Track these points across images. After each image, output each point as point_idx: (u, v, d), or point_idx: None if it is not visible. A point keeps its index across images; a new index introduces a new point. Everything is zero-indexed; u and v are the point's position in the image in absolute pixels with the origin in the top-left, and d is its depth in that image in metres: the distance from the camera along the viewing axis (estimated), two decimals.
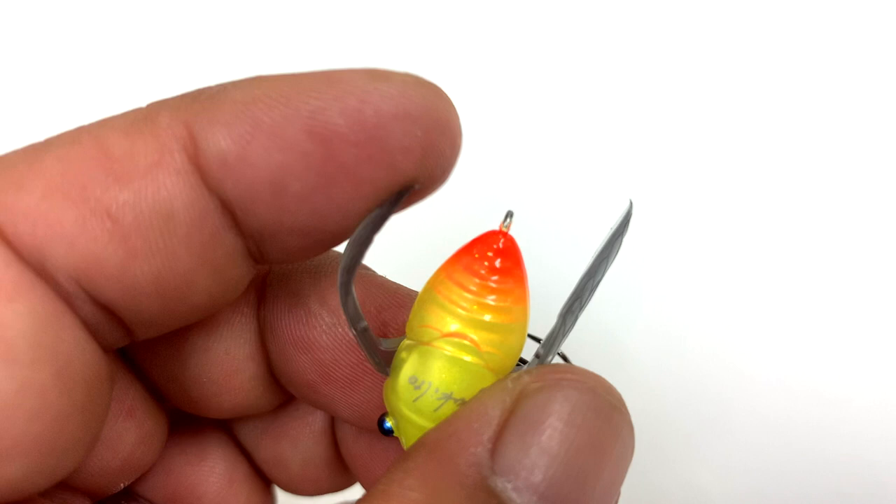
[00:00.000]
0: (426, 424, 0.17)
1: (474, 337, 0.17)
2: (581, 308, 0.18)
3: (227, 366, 0.22)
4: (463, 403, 0.17)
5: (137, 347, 0.22)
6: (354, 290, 0.18)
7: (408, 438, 0.18)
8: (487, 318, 0.17)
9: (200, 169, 0.16)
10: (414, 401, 0.17)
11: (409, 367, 0.18)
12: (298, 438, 0.25)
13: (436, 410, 0.17)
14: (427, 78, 0.17)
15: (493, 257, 0.17)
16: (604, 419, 0.16)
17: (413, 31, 0.42)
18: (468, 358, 0.17)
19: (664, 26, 0.41)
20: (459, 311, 0.17)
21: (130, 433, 0.22)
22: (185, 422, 0.25)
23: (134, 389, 0.22)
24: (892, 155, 0.39)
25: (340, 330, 0.21)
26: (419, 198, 0.18)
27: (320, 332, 0.21)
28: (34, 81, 0.44)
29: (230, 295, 0.19)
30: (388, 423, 0.18)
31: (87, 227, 0.16)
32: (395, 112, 0.16)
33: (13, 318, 0.15)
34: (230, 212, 0.17)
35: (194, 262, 0.17)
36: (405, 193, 0.17)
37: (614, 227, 0.17)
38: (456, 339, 0.17)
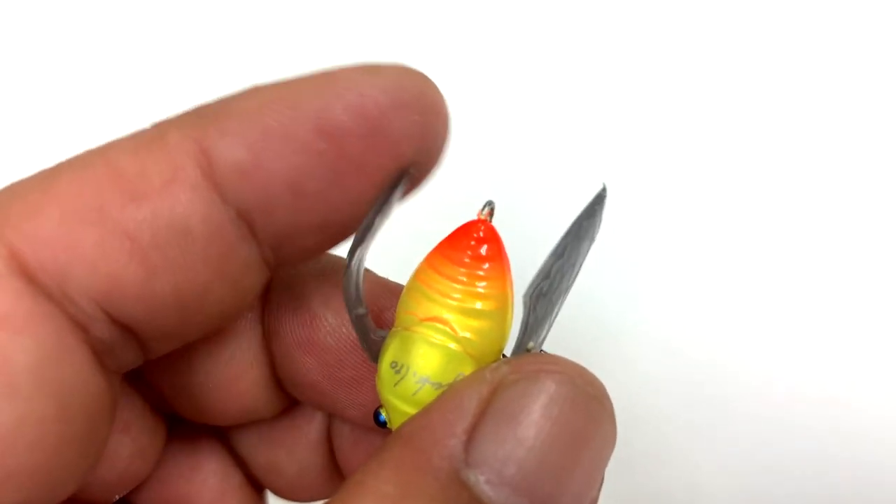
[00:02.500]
0: (408, 409, 0.18)
1: (451, 321, 0.17)
2: (556, 292, 0.18)
3: (231, 371, 0.22)
4: (440, 388, 0.17)
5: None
6: (360, 277, 0.18)
7: (396, 427, 0.18)
8: (464, 303, 0.17)
9: (215, 182, 0.17)
10: (395, 385, 0.18)
11: (390, 353, 0.18)
12: (295, 446, 0.25)
13: (413, 394, 0.17)
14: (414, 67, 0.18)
15: (475, 245, 0.18)
16: (582, 411, 0.16)
17: (399, 25, 0.42)
18: (445, 342, 0.17)
19: (655, 16, 0.41)
20: (437, 296, 0.18)
21: (125, 448, 0.22)
22: (180, 431, 0.25)
23: (131, 404, 0.22)
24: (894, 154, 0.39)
25: (345, 331, 0.21)
26: (421, 180, 0.19)
27: (325, 334, 0.22)
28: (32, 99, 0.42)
29: (244, 304, 0.19)
30: (383, 415, 0.19)
31: (106, 248, 0.16)
32: (392, 102, 0.17)
33: (18, 352, 0.16)
34: (247, 221, 0.17)
35: (211, 275, 0.17)
36: (403, 176, 0.18)
37: (585, 208, 0.17)
38: (433, 324, 0.18)
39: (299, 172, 0.17)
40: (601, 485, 0.17)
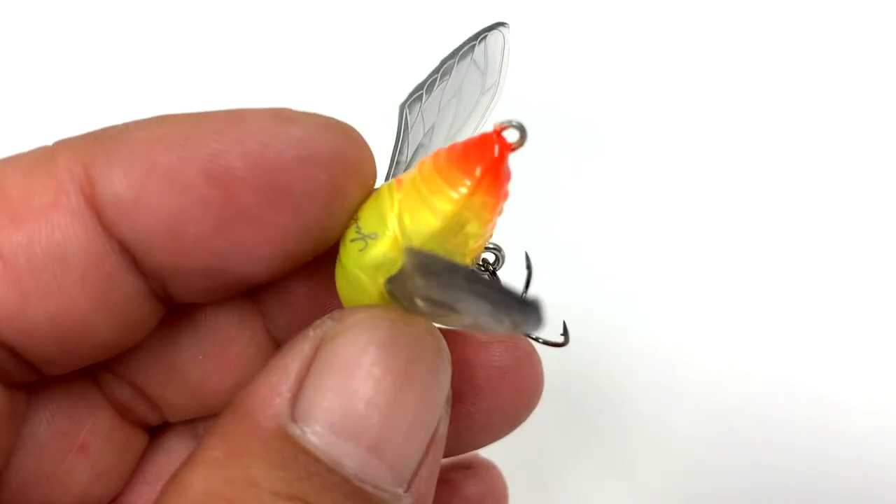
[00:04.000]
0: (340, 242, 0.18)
1: (404, 183, 0.17)
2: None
3: (218, 335, 0.21)
4: (360, 234, 0.17)
5: (117, 366, 0.21)
6: (407, 131, 0.18)
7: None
8: (423, 179, 0.16)
9: (97, 211, 0.16)
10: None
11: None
12: None
13: (346, 229, 0.17)
14: (337, 118, 0.17)
15: (469, 145, 0.16)
16: (402, 350, 0.16)
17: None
18: (384, 196, 0.17)
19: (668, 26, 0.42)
20: (416, 168, 0.17)
21: (83, 470, 0.21)
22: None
23: (91, 422, 0.21)
24: None
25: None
26: (324, 244, 0.18)
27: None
28: None
29: (135, 335, 0.18)
30: None
31: None
32: (298, 155, 0.16)
33: None
34: (129, 253, 0.16)
35: (92, 304, 0.17)
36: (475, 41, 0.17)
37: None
38: (393, 182, 0.17)
39: (180, 215, 0.16)
40: (445, 418, 0.17)
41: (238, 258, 0.17)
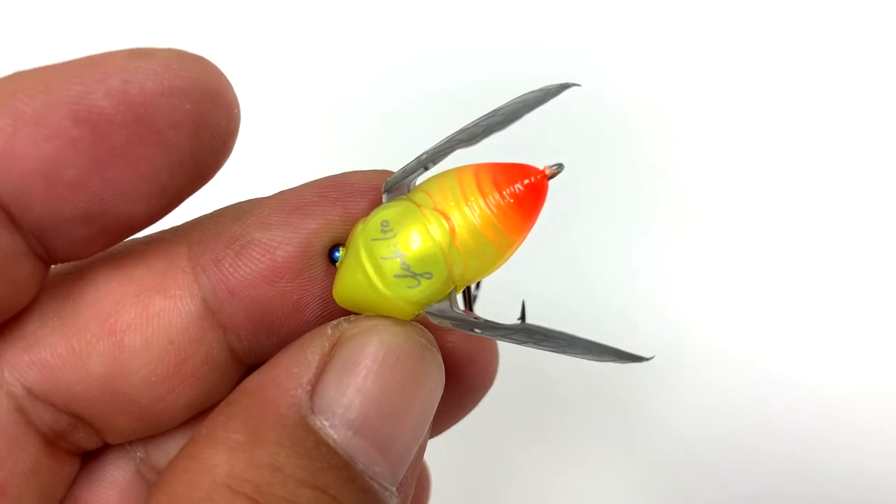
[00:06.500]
0: (367, 266, 0.18)
1: (457, 229, 0.18)
2: (532, 344, 0.18)
3: (173, 355, 0.20)
4: (407, 271, 0.18)
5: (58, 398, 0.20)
6: (418, 169, 0.19)
7: (342, 277, 0.19)
8: (479, 224, 0.18)
9: None
10: (373, 240, 0.18)
11: (389, 212, 0.18)
12: None
13: (382, 258, 0.18)
14: (192, 51, 0.17)
15: (525, 187, 0.18)
16: (415, 358, 0.18)
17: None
18: (439, 240, 0.18)
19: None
20: (462, 201, 0.18)
21: None
22: None
23: (13, 462, 0.20)
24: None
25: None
26: (207, 174, 0.18)
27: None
28: None
29: (19, 298, 0.18)
30: (339, 254, 0.19)
31: None
32: (160, 88, 0.16)
33: None
34: (4, 209, 0.17)
35: None
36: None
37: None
38: (441, 218, 0.18)
39: (53, 160, 0.16)
40: (430, 427, 0.18)
41: (116, 198, 0.17)
